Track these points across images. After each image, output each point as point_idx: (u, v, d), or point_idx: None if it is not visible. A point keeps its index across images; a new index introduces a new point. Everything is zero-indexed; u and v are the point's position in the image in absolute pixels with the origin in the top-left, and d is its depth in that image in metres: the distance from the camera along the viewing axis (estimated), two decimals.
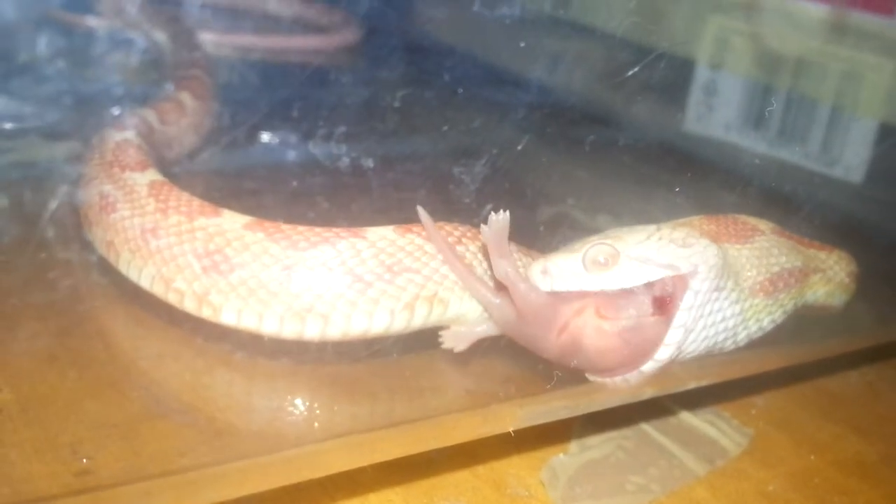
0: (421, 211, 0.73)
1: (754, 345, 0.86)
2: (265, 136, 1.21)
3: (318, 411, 0.79)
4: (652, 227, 0.77)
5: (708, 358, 0.83)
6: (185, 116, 1.12)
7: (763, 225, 0.87)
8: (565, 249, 0.76)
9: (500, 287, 0.74)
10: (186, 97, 1.15)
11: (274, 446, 0.72)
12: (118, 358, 0.81)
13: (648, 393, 0.88)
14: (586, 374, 0.77)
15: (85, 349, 0.81)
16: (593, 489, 0.83)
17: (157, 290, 0.76)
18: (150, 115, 1.05)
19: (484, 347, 0.80)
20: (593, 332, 0.73)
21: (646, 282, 0.74)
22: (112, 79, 1.20)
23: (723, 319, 0.78)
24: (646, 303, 0.74)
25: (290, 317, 0.72)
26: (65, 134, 1.15)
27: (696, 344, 0.77)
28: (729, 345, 0.81)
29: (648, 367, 0.75)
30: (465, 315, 0.78)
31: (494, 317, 0.75)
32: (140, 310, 0.85)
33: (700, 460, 0.90)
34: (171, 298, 0.76)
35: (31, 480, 0.66)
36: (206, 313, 0.74)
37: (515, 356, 0.82)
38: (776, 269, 0.84)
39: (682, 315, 0.74)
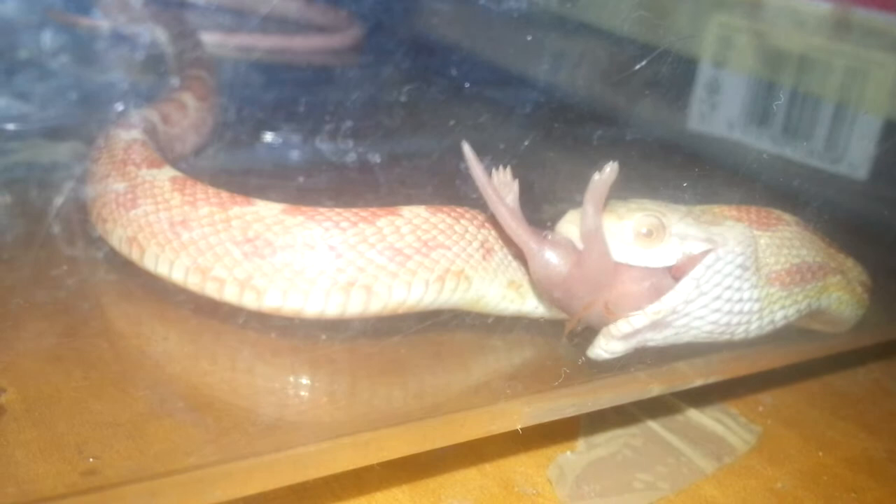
0: (466, 149, 0.73)
1: (762, 340, 0.86)
2: (269, 135, 1.20)
3: (324, 409, 0.78)
4: (683, 208, 0.77)
5: (716, 354, 0.83)
6: (187, 116, 1.12)
7: (787, 216, 0.87)
8: (609, 209, 0.76)
9: (543, 239, 0.75)
10: (188, 97, 1.14)
11: (280, 445, 0.72)
12: (123, 357, 0.81)
13: (656, 390, 0.87)
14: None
15: (90, 348, 0.81)
16: (601, 487, 0.83)
17: (193, 280, 0.78)
18: (153, 114, 1.05)
19: (491, 345, 0.80)
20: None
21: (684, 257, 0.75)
22: (114, 79, 1.20)
23: (739, 300, 0.78)
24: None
25: (335, 292, 0.75)
26: (67, 134, 1.15)
27: (707, 313, 0.77)
28: (740, 332, 0.80)
29: (655, 307, 0.74)
30: (486, 296, 0.81)
31: (535, 266, 0.75)
32: (146, 309, 0.85)
33: (708, 458, 0.89)
34: (209, 287, 0.77)
35: (37, 480, 0.65)
36: (248, 298, 0.76)
37: (522, 353, 0.82)
38: (796, 260, 0.83)
39: (699, 269, 0.74)
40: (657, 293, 0.74)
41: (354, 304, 0.76)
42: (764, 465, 0.90)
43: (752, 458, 0.91)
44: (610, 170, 0.71)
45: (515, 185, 0.74)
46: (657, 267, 0.75)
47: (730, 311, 0.78)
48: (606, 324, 0.76)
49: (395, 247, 0.77)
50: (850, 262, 0.93)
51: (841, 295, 0.90)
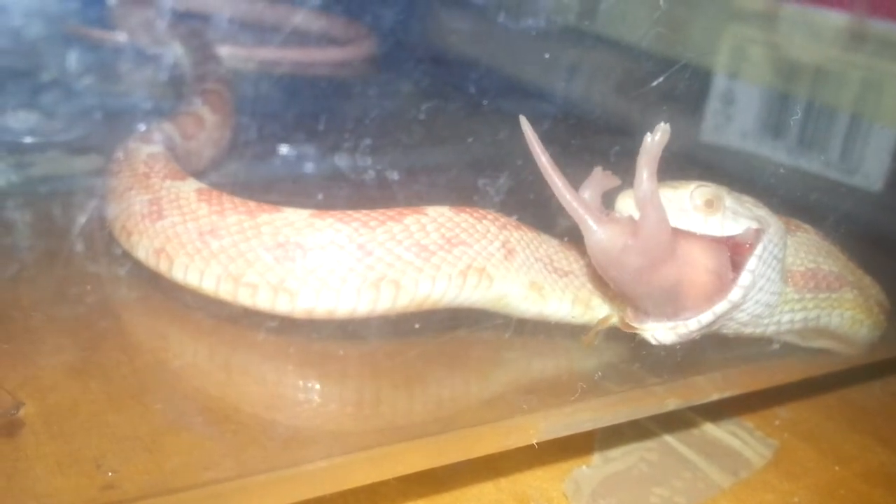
0: (524, 121, 0.72)
1: (776, 355, 0.86)
2: (285, 149, 1.21)
3: (342, 424, 0.79)
4: (725, 188, 0.77)
5: (733, 368, 0.83)
6: (204, 130, 1.13)
7: (807, 226, 0.87)
8: (663, 184, 0.74)
9: (600, 215, 0.73)
10: (206, 111, 1.15)
11: (297, 459, 0.72)
12: (142, 370, 0.81)
13: (672, 404, 0.87)
14: (641, 321, 0.75)
15: (109, 362, 0.81)
16: (617, 502, 0.83)
17: (225, 287, 0.79)
18: (171, 128, 1.05)
19: (507, 359, 0.80)
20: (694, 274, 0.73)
21: (738, 232, 0.74)
22: (131, 93, 1.20)
23: (770, 292, 0.78)
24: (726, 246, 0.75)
25: (366, 288, 0.77)
26: (84, 147, 1.15)
27: (751, 305, 0.76)
28: (751, 326, 0.80)
29: (721, 307, 0.73)
30: (508, 295, 0.82)
31: (591, 242, 0.73)
32: (165, 323, 0.85)
33: (724, 472, 0.89)
34: (242, 294, 0.78)
35: (56, 494, 0.65)
36: (281, 301, 0.78)
37: (539, 367, 0.82)
38: (812, 265, 0.83)
39: (754, 261, 0.74)
40: (718, 277, 0.73)
41: (384, 300, 0.78)
42: (780, 480, 0.89)
43: (769, 472, 0.90)
44: (662, 132, 0.68)
45: (607, 182, 0.75)
46: (715, 245, 0.74)
47: (765, 303, 0.78)
48: (663, 310, 0.74)
49: (421, 243, 0.79)
50: (868, 280, 0.92)
51: (855, 314, 0.89)
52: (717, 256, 0.74)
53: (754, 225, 0.74)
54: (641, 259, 0.71)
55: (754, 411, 0.99)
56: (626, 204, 0.73)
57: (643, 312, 0.75)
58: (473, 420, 0.80)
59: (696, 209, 0.73)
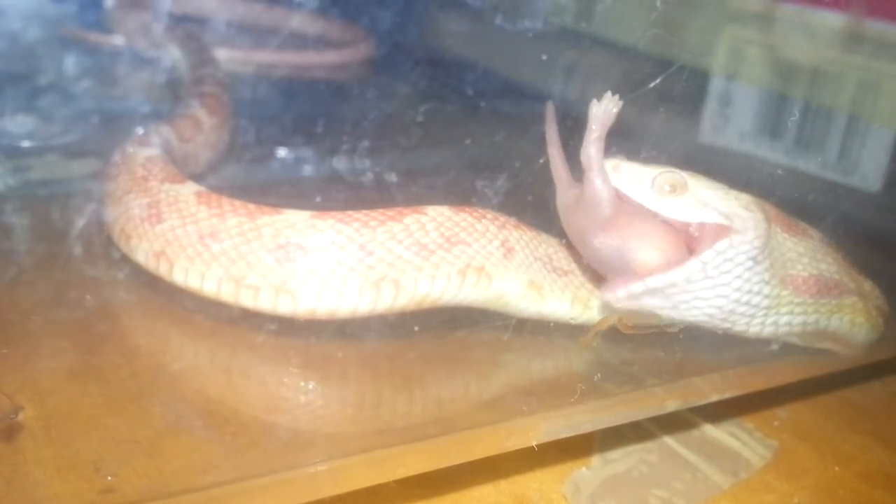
0: (549, 107, 0.77)
1: (775, 356, 0.86)
2: (283, 152, 1.21)
3: (341, 426, 0.79)
4: (724, 186, 0.77)
5: (732, 369, 0.83)
6: (201, 133, 1.13)
7: (812, 231, 0.87)
8: (640, 162, 0.76)
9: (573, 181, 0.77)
10: (203, 114, 1.15)
11: (296, 462, 0.72)
12: (140, 373, 0.81)
13: (672, 406, 0.87)
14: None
15: (107, 365, 0.81)
16: (617, 503, 0.83)
17: (227, 290, 0.79)
18: (168, 132, 1.05)
19: (506, 361, 0.80)
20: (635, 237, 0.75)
21: (697, 222, 0.75)
22: (128, 96, 1.20)
23: (748, 292, 0.77)
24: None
25: (367, 288, 0.78)
26: (82, 151, 1.15)
27: (711, 296, 0.76)
28: (741, 324, 0.80)
29: (654, 281, 0.74)
30: (507, 294, 0.83)
31: (560, 200, 0.78)
32: (164, 326, 0.85)
33: (724, 473, 0.89)
34: (244, 296, 0.79)
35: (56, 499, 0.65)
36: (283, 302, 0.78)
37: (538, 369, 0.81)
38: (814, 271, 0.83)
39: (709, 254, 0.74)
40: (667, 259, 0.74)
41: (384, 299, 0.79)
42: (780, 481, 0.89)
43: (768, 473, 0.90)
44: (608, 101, 0.71)
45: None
46: (664, 228, 0.75)
47: (736, 301, 0.77)
48: (615, 271, 0.76)
49: (421, 242, 0.80)
50: (868, 286, 0.92)
51: (855, 318, 0.89)
52: (665, 239, 0.75)
53: (720, 220, 0.74)
54: (583, 220, 0.75)
55: (754, 412, 0.99)
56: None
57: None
58: (473, 422, 0.80)
59: (658, 192, 0.74)
